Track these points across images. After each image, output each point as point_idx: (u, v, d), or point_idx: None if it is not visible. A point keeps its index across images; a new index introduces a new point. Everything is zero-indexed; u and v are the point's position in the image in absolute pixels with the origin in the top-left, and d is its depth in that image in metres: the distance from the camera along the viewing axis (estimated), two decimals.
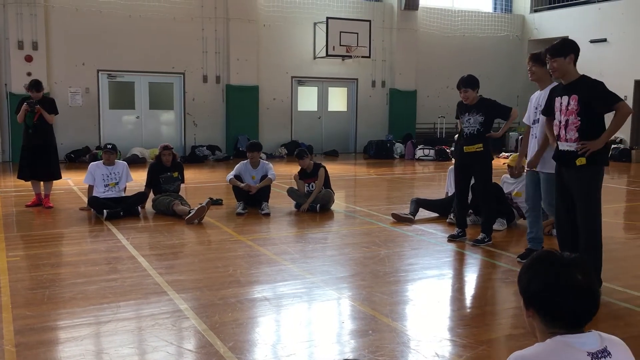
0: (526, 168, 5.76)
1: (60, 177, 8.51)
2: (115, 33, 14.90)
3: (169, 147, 8.20)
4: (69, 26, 14.53)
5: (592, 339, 1.65)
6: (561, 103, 4.68)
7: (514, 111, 6.32)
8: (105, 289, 4.72)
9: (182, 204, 7.71)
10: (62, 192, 9.60)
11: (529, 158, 5.67)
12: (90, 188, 7.90)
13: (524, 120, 5.86)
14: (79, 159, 14.34)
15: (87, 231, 7.02)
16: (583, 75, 4.66)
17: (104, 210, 7.42)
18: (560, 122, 4.70)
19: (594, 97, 4.52)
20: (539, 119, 5.52)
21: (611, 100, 4.52)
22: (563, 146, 4.71)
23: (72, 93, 14.83)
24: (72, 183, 10.66)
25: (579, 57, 4.65)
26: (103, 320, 4.06)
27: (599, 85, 4.57)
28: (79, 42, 14.65)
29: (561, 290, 1.63)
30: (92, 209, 7.71)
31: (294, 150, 16.40)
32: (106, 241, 6.41)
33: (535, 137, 5.55)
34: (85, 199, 8.16)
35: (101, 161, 8.09)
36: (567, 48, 4.61)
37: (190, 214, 7.27)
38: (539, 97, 5.60)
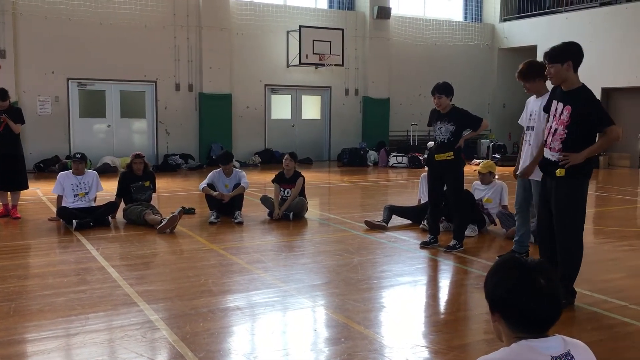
0: (518, 174, 5.74)
1: (27, 187, 8.35)
2: (85, 41, 14.72)
3: (140, 156, 8.12)
4: (38, 34, 14.32)
5: (556, 343, 1.67)
6: (556, 109, 4.54)
7: (484, 123, 6.38)
8: (74, 300, 4.63)
9: (153, 214, 7.62)
10: (31, 202, 9.42)
11: (521, 164, 5.63)
12: (59, 198, 7.76)
13: (520, 122, 5.84)
14: (48, 168, 14.08)
15: (56, 242, 6.89)
16: (583, 86, 4.48)
17: (74, 221, 7.30)
18: (550, 127, 4.59)
19: (587, 115, 4.38)
20: (533, 126, 5.50)
21: (602, 122, 4.40)
22: (547, 153, 4.63)
23: (41, 102, 14.58)
24: (40, 193, 10.46)
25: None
26: (71, 332, 3.99)
27: (594, 104, 4.42)
28: (48, 50, 14.42)
29: (524, 295, 1.65)
30: (61, 220, 7.57)
31: (268, 159, 16.59)
32: (75, 252, 6.30)
33: (529, 144, 5.56)
34: (54, 209, 8.02)
35: (70, 171, 7.96)
36: (564, 54, 4.41)
37: (162, 224, 7.20)
38: (534, 104, 5.57)
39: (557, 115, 4.51)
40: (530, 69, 5.49)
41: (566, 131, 4.43)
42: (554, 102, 4.59)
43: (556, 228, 4.58)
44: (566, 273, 4.53)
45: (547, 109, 4.80)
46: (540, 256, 4.85)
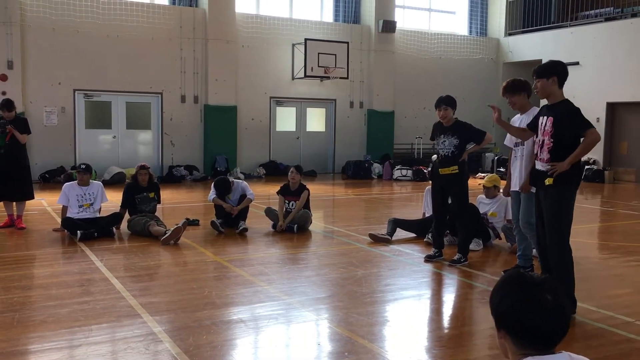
0: (511, 190, 5.85)
1: (33, 198, 8.37)
2: (92, 53, 14.83)
3: (145, 167, 8.14)
4: (46, 45, 14.43)
5: None
6: (542, 123, 4.80)
7: (487, 136, 6.40)
8: (77, 312, 4.62)
9: (158, 225, 7.62)
10: (36, 212, 9.45)
11: (513, 180, 5.78)
12: (64, 209, 7.77)
13: (506, 142, 5.97)
14: (53, 179, 14.13)
15: (60, 253, 6.89)
16: (566, 100, 4.74)
17: (78, 231, 7.30)
18: (539, 141, 4.83)
19: (567, 121, 4.62)
20: (518, 142, 5.68)
21: (582, 126, 4.63)
22: (538, 165, 4.85)
23: (48, 112, 14.66)
24: (46, 203, 10.49)
25: None
26: (74, 344, 3.97)
27: (573, 111, 4.66)
28: (55, 62, 14.52)
29: (531, 311, 1.64)
30: (66, 230, 7.58)
31: (272, 170, 16.61)
32: (79, 263, 6.30)
33: (520, 158, 5.69)
34: (59, 220, 8.03)
35: (76, 181, 7.99)
36: (550, 70, 4.72)
37: (166, 235, 7.20)
38: (520, 120, 5.72)
39: (543, 127, 4.78)
40: (514, 83, 5.75)
41: (552, 140, 4.68)
42: (540, 118, 4.86)
43: (547, 236, 4.72)
44: (562, 281, 4.59)
45: (531, 125, 5.08)
46: (542, 269, 4.89)
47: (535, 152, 4.94)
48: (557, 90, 4.73)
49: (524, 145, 5.67)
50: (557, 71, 4.72)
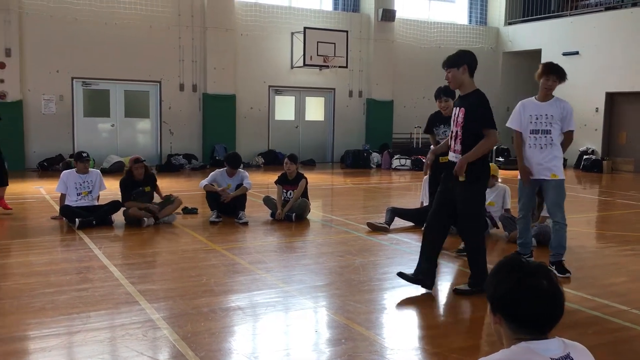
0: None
1: (6, 184, 8.36)
2: (90, 40, 14.77)
3: (139, 160, 7.84)
4: (44, 33, 14.37)
5: (555, 345, 1.67)
6: (455, 114, 4.81)
7: None
8: (76, 298, 4.64)
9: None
10: (34, 200, 9.45)
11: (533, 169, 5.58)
12: (62, 197, 7.77)
13: (509, 124, 5.73)
14: (52, 167, 14.14)
15: (58, 240, 6.91)
16: (477, 90, 4.72)
17: (76, 219, 7.31)
18: (452, 132, 4.84)
19: (474, 115, 4.62)
20: (547, 129, 5.44)
21: (484, 124, 4.62)
22: (451, 157, 4.89)
23: (46, 100, 14.63)
24: (44, 192, 10.49)
25: None
26: (73, 330, 4.00)
27: (482, 105, 4.64)
28: (53, 49, 14.48)
29: (526, 296, 1.66)
30: (64, 218, 7.59)
31: (271, 160, 16.60)
32: (78, 250, 6.32)
33: (536, 147, 5.53)
34: (58, 208, 8.03)
35: (74, 169, 7.97)
36: (460, 59, 4.68)
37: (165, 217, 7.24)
38: (541, 108, 5.49)
39: (456, 118, 4.78)
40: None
41: (462, 132, 4.68)
42: (455, 108, 4.88)
43: (460, 223, 4.95)
44: (477, 258, 4.88)
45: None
46: (424, 253, 4.97)
47: (450, 143, 4.95)
48: (468, 80, 4.70)
49: (540, 133, 5.47)
50: (466, 60, 4.68)
